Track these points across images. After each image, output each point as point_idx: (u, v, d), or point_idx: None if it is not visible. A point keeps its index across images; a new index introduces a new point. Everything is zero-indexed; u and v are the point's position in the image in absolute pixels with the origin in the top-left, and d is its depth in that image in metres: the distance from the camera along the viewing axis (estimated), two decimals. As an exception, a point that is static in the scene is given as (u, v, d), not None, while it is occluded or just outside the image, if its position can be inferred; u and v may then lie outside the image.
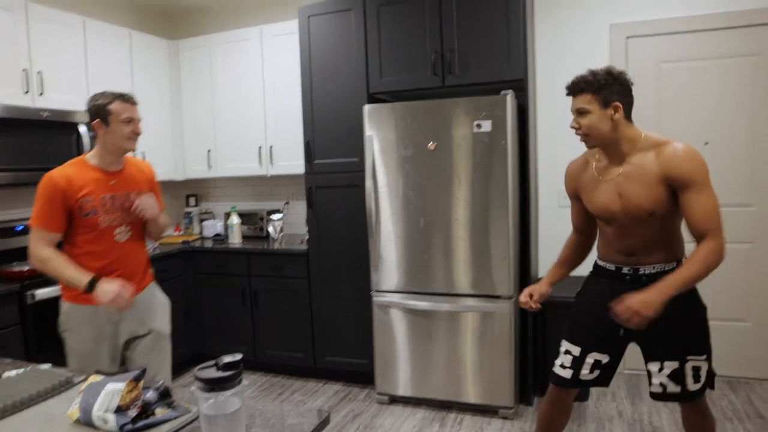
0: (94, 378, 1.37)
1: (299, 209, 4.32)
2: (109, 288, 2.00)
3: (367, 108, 3.15)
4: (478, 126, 2.92)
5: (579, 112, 1.92)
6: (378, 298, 3.24)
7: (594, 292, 2.11)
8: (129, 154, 2.29)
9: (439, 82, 3.15)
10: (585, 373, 2.09)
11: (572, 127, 1.96)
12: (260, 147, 4.01)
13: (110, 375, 1.41)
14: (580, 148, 3.79)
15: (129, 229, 2.23)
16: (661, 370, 1.96)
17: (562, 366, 2.13)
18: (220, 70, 4.11)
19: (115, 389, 1.25)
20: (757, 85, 3.21)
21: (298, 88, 3.70)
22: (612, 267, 2.04)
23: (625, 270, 2.00)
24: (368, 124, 3.15)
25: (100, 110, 2.11)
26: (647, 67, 3.39)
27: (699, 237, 1.81)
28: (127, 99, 2.15)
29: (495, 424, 3.00)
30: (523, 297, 2.23)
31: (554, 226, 3.67)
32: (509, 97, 2.86)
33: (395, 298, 3.21)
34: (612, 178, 1.96)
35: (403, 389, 3.25)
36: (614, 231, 2.00)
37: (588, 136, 1.94)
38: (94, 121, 2.12)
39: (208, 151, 4.21)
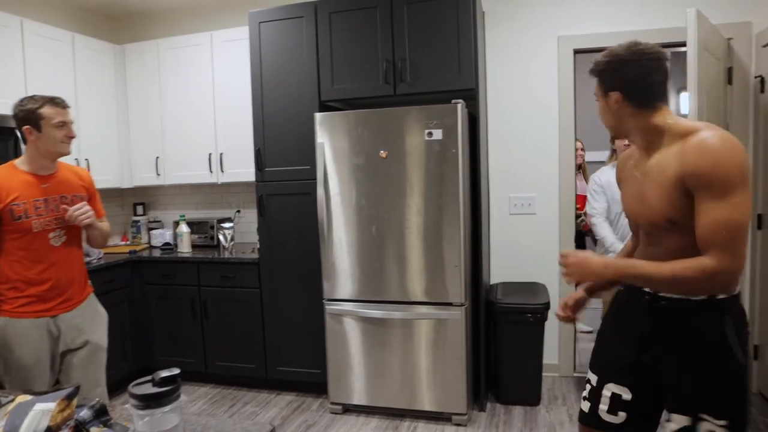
0: (23, 398, 1.30)
1: (250, 217, 4.25)
2: None
3: (318, 116, 3.13)
4: (430, 134, 2.94)
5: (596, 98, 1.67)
6: (330, 307, 3.21)
7: (614, 314, 1.80)
8: (62, 160, 2.23)
9: (391, 91, 3.16)
10: (603, 408, 1.72)
11: None
12: (210, 154, 3.92)
13: (40, 394, 1.34)
14: (529, 156, 3.85)
15: (64, 233, 2.18)
16: (668, 420, 1.57)
17: (584, 398, 1.81)
18: (168, 76, 4.01)
19: (44, 409, 1.19)
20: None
21: (249, 94, 3.64)
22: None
23: (647, 289, 1.60)
24: (320, 132, 3.13)
25: (30, 115, 2.05)
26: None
27: (702, 253, 1.41)
28: (57, 102, 2.10)
29: (449, 430, 3.01)
30: (559, 310, 1.90)
31: (505, 233, 3.73)
32: (460, 106, 2.90)
33: (348, 306, 3.18)
34: (640, 174, 1.61)
35: (356, 398, 3.22)
36: (643, 236, 1.66)
37: (607, 126, 1.67)
38: (24, 127, 2.06)
39: (157, 158, 4.09)
